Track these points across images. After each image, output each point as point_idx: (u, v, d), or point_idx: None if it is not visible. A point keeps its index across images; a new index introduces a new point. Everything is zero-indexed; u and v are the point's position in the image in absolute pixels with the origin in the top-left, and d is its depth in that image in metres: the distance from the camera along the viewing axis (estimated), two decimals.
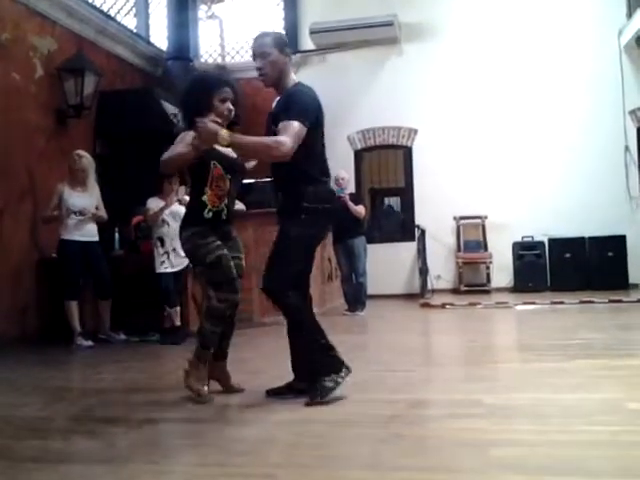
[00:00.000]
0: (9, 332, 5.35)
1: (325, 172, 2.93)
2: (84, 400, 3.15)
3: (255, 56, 2.87)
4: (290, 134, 2.68)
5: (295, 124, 2.69)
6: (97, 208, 5.40)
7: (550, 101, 8.68)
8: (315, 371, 2.78)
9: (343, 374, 2.78)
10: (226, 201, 2.98)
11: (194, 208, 2.99)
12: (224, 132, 2.68)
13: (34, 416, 2.83)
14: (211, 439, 2.34)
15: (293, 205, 2.81)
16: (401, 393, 2.93)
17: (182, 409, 2.78)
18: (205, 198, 2.92)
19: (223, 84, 2.97)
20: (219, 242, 2.94)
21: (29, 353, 4.94)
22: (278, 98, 2.90)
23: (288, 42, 2.96)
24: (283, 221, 2.86)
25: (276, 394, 2.88)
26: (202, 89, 2.95)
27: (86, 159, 5.42)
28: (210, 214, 2.93)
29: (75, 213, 5.26)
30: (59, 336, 5.33)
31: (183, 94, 3.08)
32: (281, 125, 2.72)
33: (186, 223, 3.00)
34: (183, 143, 2.87)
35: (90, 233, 5.36)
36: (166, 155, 2.91)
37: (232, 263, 2.95)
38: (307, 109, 2.77)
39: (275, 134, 2.74)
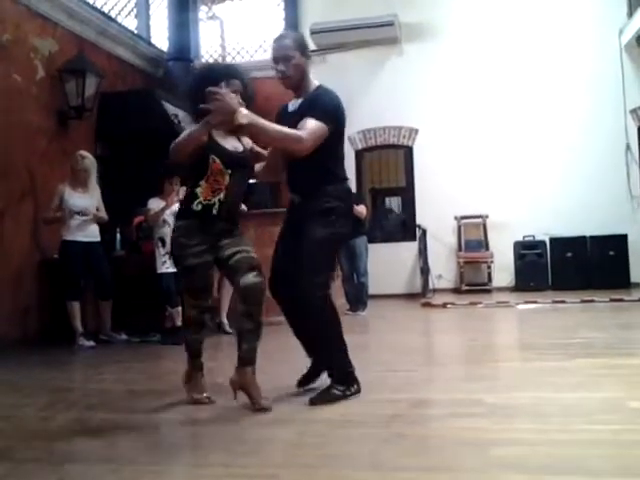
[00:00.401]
0: (11, 333, 5.36)
1: (345, 172, 2.96)
2: (86, 400, 3.16)
3: (277, 59, 2.79)
4: (311, 133, 2.66)
5: (317, 124, 2.67)
6: (98, 209, 5.41)
7: (551, 100, 8.68)
8: (330, 369, 2.84)
9: (353, 390, 2.79)
10: (221, 196, 2.81)
11: (186, 200, 2.88)
12: (244, 109, 2.56)
13: (36, 416, 2.83)
14: (213, 439, 2.34)
15: (319, 206, 2.77)
16: (403, 393, 2.94)
17: (184, 409, 2.78)
18: (198, 190, 2.80)
19: (231, 76, 2.81)
20: (205, 246, 2.78)
21: (31, 354, 4.95)
22: (301, 100, 2.84)
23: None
24: (307, 223, 2.77)
25: (307, 381, 2.94)
26: (208, 81, 2.72)
27: (89, 160, 5.43)
28: (199, 207, 2.78)
29: (77, 213, 5.27)
30: (61, 337, 5.34)
31: (189, 87, 2.89)
32: (303, 122, 2.69)
33: (178, 215, 2.96)
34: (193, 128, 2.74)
35: (92, 234, 5.38)
36: (175, 141, 2.76)
37: (210, 272, 2.87)
38: (332, 111, 2.76)
39: None
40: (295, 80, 2.80)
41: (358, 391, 2.80)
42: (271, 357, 4.07)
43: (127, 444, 2.30)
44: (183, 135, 2.74)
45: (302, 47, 2.81)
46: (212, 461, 2.10)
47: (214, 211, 2.80)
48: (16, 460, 2.18)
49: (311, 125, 2.67)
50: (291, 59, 2.76)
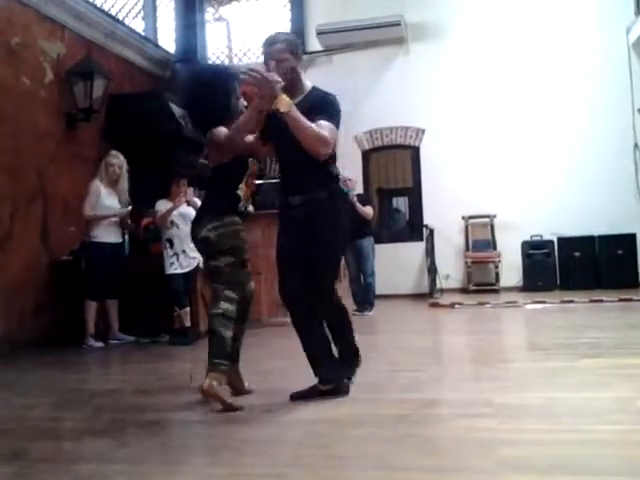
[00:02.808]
0: (20, 334, 5.40)
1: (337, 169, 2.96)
2: (95, 401, 3.18)
3: (268, 63, 2.77)
4: (332, 136, 2.72)
5: (333, 126, 2.73)
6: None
7: (558, 99, 8.64)
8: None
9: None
10: (248, 204, 3.00)
11: (227, 199, 2.88)
12: (286, 97, 2.60)
13: (46, 417, 2.86)
14: (221, 439, 2.35)
15: (330, 207, 2.82)
16: (411, 393, 2.94)
17: (192, 410, 2.80)
18: (240, 192, 2.90)
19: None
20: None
21: (40, 355, 4.98)
22: (298, 101, 2.78)
23: (300, 42, 2.96)
24: (319, 223, 2.80)
25: (301, 397, 2.86)
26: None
27: (122, 160, 5.52)
28: (243, 208, 2.93)
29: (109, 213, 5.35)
30: (69, 338, 5.37)
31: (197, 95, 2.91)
32: (324, 124, 2.69)
33: (222, 211, 2.87)
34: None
35: (119, 235, 5.50)
36: (229, 136, 2.78)
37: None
38: (339, 113, 2.83)
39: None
40: (288, 83, 2.76)
41: None
42: (277, 358, 4.09)
43: (137, 444, 2.32)
44: (236, 128, 2.75)
45: (295, 50, 2.82)
46: (221, 461, 2.12)
47: (244, 216, 2.97)
48: (27, 460, 2.20)
49: (330, 128, 2.71)
50: (284, 62, 2.76)
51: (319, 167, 2.78)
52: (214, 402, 2.70)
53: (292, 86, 2.81)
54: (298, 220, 2.83)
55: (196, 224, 2.92)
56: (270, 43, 2.82)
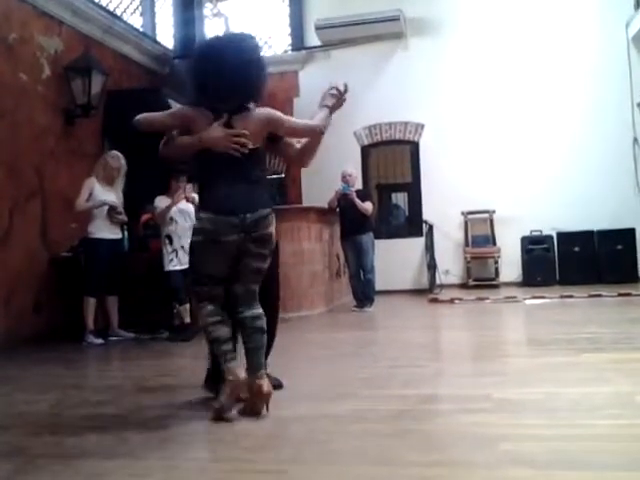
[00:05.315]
0: (21, 330, 5.40)
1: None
2: (96, 397, 3.18)
3: None
4: None
5: None
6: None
7: (557, 94, 8.63)
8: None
9: None
10: None
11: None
12: None
13: (47, 413, 2.87)
14: (222, 435, 2.36)
15: None
16: (410, 388, 2.95)
17: (193, 405, 2.80)
18: None
19: None
20: None
21: (41, 351, 4.99)
22: None
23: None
24: None
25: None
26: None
27: (122, 160, 5.51)
28: None
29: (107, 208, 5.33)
30: (69, 334, 5.37)
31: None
32: None
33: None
34: None
35: (117, 231, 5.49)
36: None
37: None
38: None
39: None
40: None
41: None
42: (275, 354, 4.09)
43: (137, 440, 2.32)
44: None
45: None
46: (222, 456, 2.12)
47: None
48: (28, 456, 2.21)
49: None
50: None
51: None
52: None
53: None
54: None
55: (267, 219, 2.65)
56: None
